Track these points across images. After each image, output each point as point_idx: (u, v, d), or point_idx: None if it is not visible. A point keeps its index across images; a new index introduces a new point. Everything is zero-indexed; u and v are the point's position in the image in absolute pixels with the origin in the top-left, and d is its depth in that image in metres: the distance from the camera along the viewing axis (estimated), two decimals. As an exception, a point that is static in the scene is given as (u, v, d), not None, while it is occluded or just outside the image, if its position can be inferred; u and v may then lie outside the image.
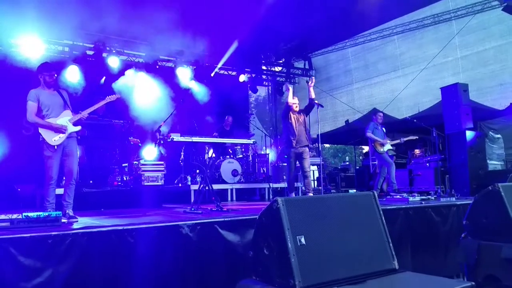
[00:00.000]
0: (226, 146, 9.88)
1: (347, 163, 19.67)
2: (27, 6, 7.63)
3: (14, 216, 3.64)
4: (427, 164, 10.11)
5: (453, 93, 8.82)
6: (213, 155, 9.12)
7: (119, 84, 10.35)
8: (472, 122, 8.79)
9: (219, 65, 12.78)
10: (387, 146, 8.70)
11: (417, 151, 12.04)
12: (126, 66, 11.10)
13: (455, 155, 8.67)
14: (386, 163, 8.70)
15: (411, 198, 6.10)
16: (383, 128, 9.08)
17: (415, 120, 9.43)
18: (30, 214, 3.66)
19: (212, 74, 12.86)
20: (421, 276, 2.89)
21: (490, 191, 3.51)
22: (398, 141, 9.13)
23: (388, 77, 13.41)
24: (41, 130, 4.76)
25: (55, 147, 4.74)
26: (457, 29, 11.33)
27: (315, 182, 14.05)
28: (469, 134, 8.54)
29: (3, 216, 3.65)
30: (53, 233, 3.22)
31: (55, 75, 4.98)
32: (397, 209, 5.16)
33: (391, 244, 3.02)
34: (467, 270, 3.36)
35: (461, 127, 8.58)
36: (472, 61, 11.27)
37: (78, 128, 4.98)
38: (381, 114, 9.30)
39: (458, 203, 5.74)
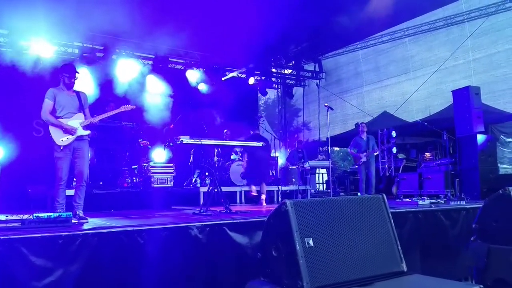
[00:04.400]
0: (229, 150, 9.89)
1: (357, 166, 19.55)
2: (37, 9, 7.71)
3: (25, 216, 3.69)
4: (438, 167, 10.02)
5: (465, 96, 8.75)
6: (216, 158, 9.17)
7: (128, 86, 10.42)
8: (483, 126, 8.71)
9: (229, 76, 12.92)
10: (363, 159, 9.43)
11: (427, 155, 11.96)
12: (135, 68, 11.17)
13: (466, 158, 8.60)
14: (361, 177, 9.48)
15: (420, 202, 6.06)
16: (367, 137, 9.61)
17: (426, 123, 9.35)
18: (41, 215, 3.70)
19: (223, 79, 12.95)
20: (429, 279, 2.88)
21: (500, 195, 3.48)
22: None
23: (399, 80, 13.36)
24: (51, 129, 4.81)
25: (61, 147, 4.78)
26: (470, 31, 11.25)
27: (324, 185, 14.01)
28: (480, 138, 8.46)
29: (14, 217, 3.70)
30: (64, 233, 3.26)
31: (75, 78, 5.01)
32: (406, 212, 5.13)
33: (399, 247, 3.01)
34: (476, 274, 3.33)
35: (472, 130, 8.50)
36: (484, 64, 11.19)
37: (88, 132, 5.01)
38: (364, 125, 9.84)
39: (468, 206, 5.69)
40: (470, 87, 8.83)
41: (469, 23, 11.29)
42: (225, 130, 10.45)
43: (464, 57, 11.58)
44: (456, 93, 9.08)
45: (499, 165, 9.49)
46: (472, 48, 11.41)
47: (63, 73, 4.95)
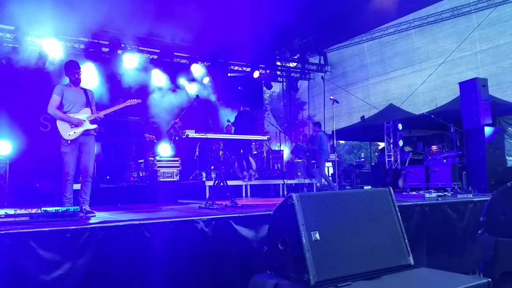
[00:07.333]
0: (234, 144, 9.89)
1: (362, 159, 19.53)
2: (43, 5, 7.72)
3: (34, 210, 3.72)
4: (444, 160, 9.96)
5: (472, 88, 8.65)
6: (221, 152, 9.17)
7: (134, 80, 10.43)
8: (491, 118, 8.61)
9: (235, 74, 12.93)
10: None
11: (434, 147, 11.89)
12: (141, 62, 11.17)
13: (473, 151, 8.52)
14: None
15: (427, 195, 6.03)
16: None
17: (432, 116, 9.30)
18: (49, 209, 3.73)
19: (229, 75, 12.94)
20: (436, 272, 2.87)
21: (508, 188, 3.44)
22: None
23: (405, 72, 13.26)
24: (58, 123, 4.86)
25: (69, 141, 4.82)
26: (477, 22, 11.13)
27: (330, 178, 13.99)
28: (488, 130, 8.38)
29: (23, 211, 3.73)
30: (72, 227, 3.28)
31: (79, 73, 5.06)
32: (413, 205, 5.11)
33: (406, 240, 3.00)
34: (484, 267, 3.31)
35: (480, 122, 8.42)
36: (492, 55, 11.07)
37: (95, 126, 5.05)
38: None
39: (475, 199, 5.66)
40: (477, 78, 8.73)
41: (476, 14, 11.16)
42: (227, 124, 10.45)
43: (470, 49, 11.46)
44: (463, 85, 8.98)
45: (507, 157, 9.40)
46: (479, 39, 11.29)
47: (67, 71, 5.05)
